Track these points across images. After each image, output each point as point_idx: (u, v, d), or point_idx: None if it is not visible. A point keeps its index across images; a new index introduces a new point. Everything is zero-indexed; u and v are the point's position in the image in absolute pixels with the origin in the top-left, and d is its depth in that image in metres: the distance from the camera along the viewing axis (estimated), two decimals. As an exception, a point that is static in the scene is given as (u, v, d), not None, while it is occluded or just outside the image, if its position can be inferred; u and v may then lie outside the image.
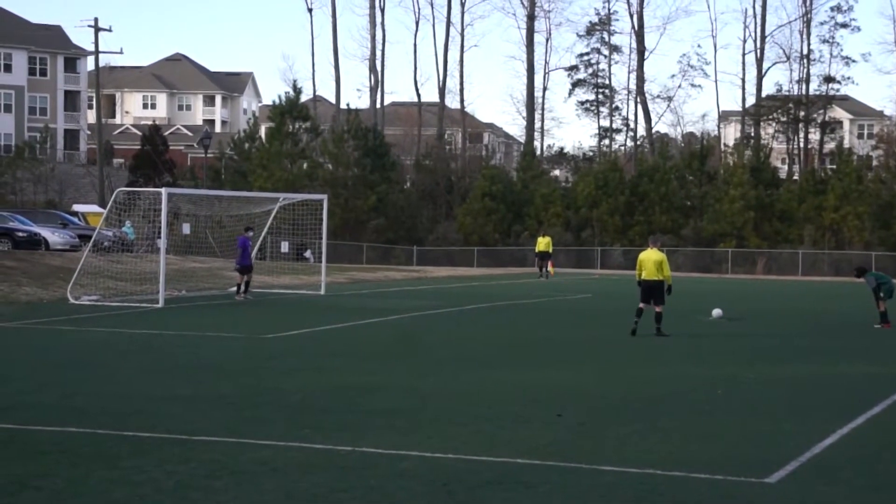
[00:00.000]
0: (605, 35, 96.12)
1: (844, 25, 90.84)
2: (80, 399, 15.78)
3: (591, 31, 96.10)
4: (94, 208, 67.03)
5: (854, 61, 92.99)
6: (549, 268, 56.41)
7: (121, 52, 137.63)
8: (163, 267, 34.02)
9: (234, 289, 36.89)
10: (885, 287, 29.45)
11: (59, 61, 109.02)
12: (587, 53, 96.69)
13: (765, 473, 11.60)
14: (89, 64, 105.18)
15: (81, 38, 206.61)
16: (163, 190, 35.73)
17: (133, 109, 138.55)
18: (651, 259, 25.88)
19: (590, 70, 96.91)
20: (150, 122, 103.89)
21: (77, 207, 68.80)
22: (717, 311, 31.70)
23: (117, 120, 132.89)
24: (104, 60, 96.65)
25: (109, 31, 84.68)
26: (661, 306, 25.84)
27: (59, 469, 11.36)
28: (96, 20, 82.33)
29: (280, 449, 12.47)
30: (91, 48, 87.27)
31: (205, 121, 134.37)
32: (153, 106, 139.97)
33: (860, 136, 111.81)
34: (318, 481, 11.00)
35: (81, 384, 17.24)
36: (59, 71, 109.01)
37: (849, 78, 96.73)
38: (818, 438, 13.55)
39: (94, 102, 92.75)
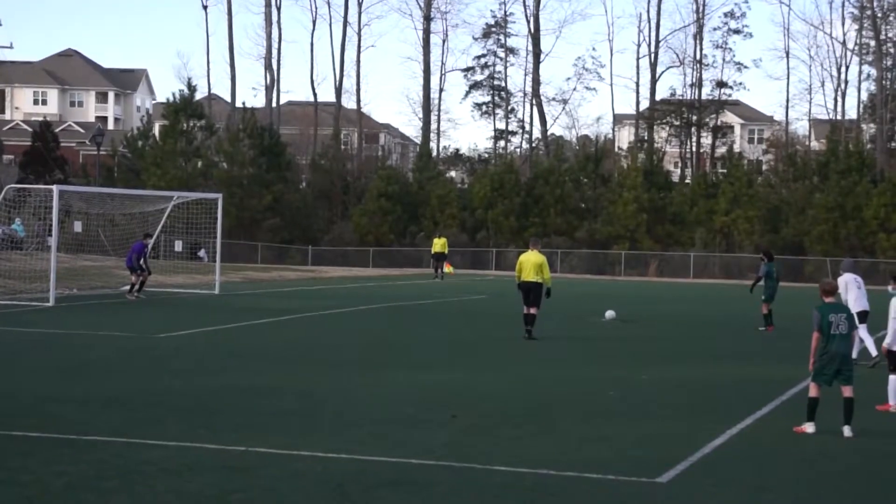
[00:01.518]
0: (502, 37, 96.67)
1: (737, 31, 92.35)
2: (-33, 399, 15.48)
3: (487, 33, 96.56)
4: (-17, 205, 65.68)
5: (746, 67, 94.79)
6: (446, 268, 56.57)
7: (10, 47, 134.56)
8: (53, 265, 33.48)
9: (127, 287, 36.46)
10: (770, 283, 30.06)
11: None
12: (484, 55, 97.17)
13: (656, 473, 11.75)
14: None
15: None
16: (54, 187, 35.20)
17: (23, 105, 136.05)
18: (531, 261, 25.79)
19: (486, 72, 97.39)
20: (40, 119, 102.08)
21: (-35, 204, 67.40)
22: (610, 313, 32.01)
23: (6, 115, 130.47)
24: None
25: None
26: (538, 309, 25.77)
27: (-55, 471, 11.12)
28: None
29: (172, 449, 12.35)
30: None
31: (97, 118, 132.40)
32: (44, 102, 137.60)
33: (751, 141, 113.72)
34: (211, 482, 10.91)
35: (-32, 384, 16.90)
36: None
37: (741, 83, 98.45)
38: (708, 439, 13.76)
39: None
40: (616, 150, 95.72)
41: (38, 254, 41.43)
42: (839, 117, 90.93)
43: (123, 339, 24.19)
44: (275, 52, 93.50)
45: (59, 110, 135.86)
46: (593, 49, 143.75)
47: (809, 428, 14.36)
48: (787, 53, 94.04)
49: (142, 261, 35.60)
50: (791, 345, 25.96)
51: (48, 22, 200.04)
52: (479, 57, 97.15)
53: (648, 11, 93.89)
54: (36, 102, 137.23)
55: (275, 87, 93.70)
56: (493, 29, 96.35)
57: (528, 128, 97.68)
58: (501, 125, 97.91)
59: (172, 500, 10.25)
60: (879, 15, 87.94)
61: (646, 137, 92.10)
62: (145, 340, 23.98)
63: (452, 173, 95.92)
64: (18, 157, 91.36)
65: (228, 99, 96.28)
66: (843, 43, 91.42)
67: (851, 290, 22.85)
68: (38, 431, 13.14)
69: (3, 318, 28.21)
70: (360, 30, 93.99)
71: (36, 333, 24.77)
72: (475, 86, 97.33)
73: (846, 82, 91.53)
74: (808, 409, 14.46)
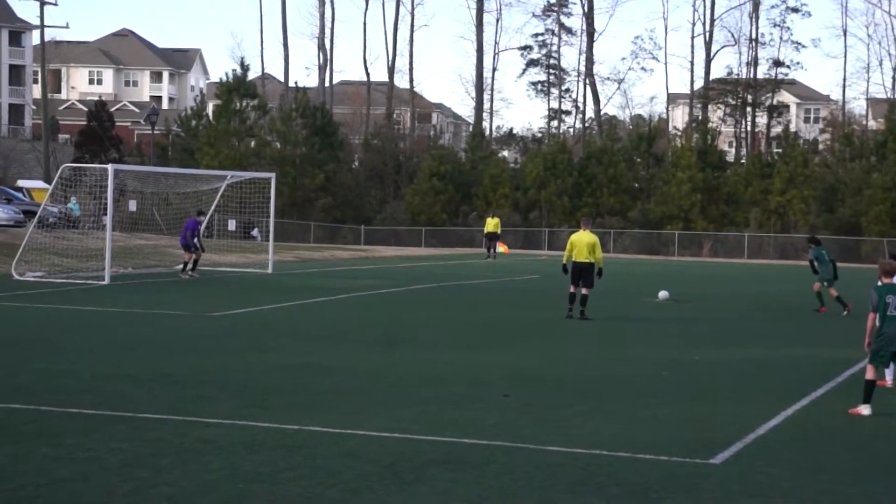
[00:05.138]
0: (560, 16, 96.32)
1: (795, 10, 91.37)
2: (25, 376, 15.65)
3: (547, 11, 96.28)
4: (40, 184, 66.38)
5: (804, 46, 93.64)
6: (500, 247, 56.50)
7: (66, 27, 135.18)
8: (109, 244, 33.75)
9: (180, 266, 36.68)
10: (823, 266, 29.30)
11: (3, 35, 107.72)
12: (541, 34, 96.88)
13: (709, 454, 11.68)
14: (34, 38, 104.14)
15: (26, 11, 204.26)
16: (109, 166, 35.48)
17: (79, 85, 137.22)
18: (584, 241, 25.62)
19: (543, 50, 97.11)
20: (96, 98, 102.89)
21: (22, 183, 68.14)
22: (663, 294, 31.87)
23: (63, 95, 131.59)
24: (50, 35, 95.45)
25: (55, 4, 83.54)
26: (589, 289, 25.67)
27: (2, 446, 11.25)
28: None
29: (226, 428, 12.42)
30: (36, 22, 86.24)
31: (152, 97, 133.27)
32: (99, 81, 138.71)
33: (807, 121, 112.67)
34: (264, 460, 10.97)
35: (26, 361, 17.08)
36: (3, 45, 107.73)
37: (798, 63, 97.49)
38: (762, 420, 13.66)
39: (39, 77, 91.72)
40: (671, 129, 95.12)
41: (93, 232, 41.78)
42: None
43: (177, 317, 24.36)
44: (328, 31, 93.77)
45: (115, 90, 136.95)
46: (652, 30, 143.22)
47: (865, 410, 14.22)
48: (845, 31, 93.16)
49: (195, 239, 35.81)
50: (847, 326, 25.74)
51: (103, 2, 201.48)
52: (536, 35, 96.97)
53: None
54: (91, 82, 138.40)
55: (328, 67, 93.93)
56: (553, 7, 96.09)
57: (581, 107, 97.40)
58: (556, 104, 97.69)
59: (226, 477, 10.31)
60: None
61: (700, 117, 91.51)
62: (199, 319, 24.13)
63: (505, 153, 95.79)
64: (74, 137, 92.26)
65: (281, 78, 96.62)
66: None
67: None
68: (95, 409, 13.26)
69: (60, 296, 28.49)
70: (413, 9, 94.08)
71: (91, 312, 24.99)
72: (532, 64, 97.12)
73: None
74: (864, 391, 14.32)
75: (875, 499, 10.52)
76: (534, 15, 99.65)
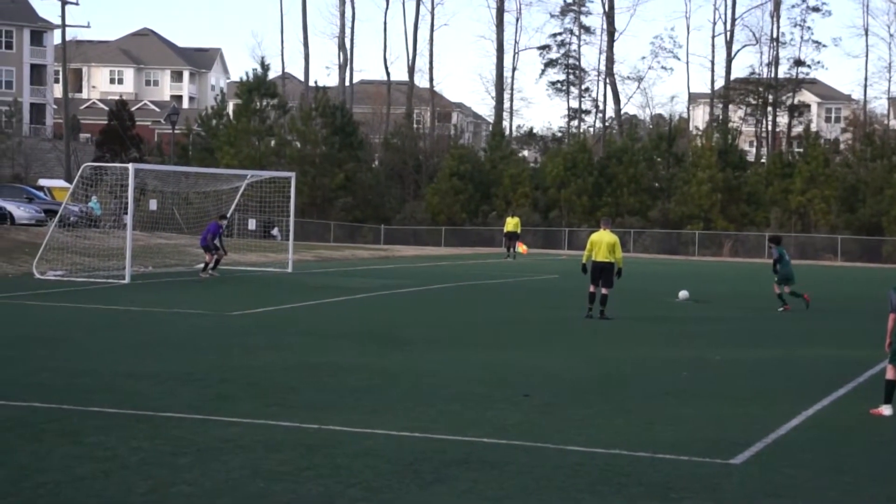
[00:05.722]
0: (579, 16, 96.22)
1: (816, 9, 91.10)
2: (45, 375, 15.69)
3: (565, 11, 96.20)
4: (61, 183, 66.57)
5: (825, 46, 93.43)
6: (520, 247, 56.44)
7: (88, 26, 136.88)
8: (129, 243, 33.86)
9: (201, 266, 36.77)
10: (782, 267, 29.25)
11: (25, 34, 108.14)
12: (560, 33, 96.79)
13: (730, 455, 11.65)
14: (56, 37, 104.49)
15: (48, 11, 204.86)
16: (129, 165, 35.59)
17: (100, 84, 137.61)
18: (604, 241, 25.54)
19: (562, 50, 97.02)
20: (117, 97, 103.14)
21: (43, 182, 68.33)
22: (683, 293, 31.78)
23: (84, 94, 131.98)
24: (71, 34, 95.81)
25: (76, 4, 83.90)
26: (609, 289, 25.61)
27: (23, 444, 11.29)
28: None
29: (246, 427, 12.43)
30: (57, 21, 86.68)
31: (172, 96, 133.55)
32: (120, 81, 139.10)
33: (828, 120, 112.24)
34: (284, 459, 10.97)
35: (46, 360, 17.13)
36: (25, 44, 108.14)
37: (818, 62, 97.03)
38: (783, 420, 13.62)
39: (60, 76, 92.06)
40: (692, 129, 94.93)
41: (114, 232, 41.92)
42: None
43: (197, 316, 24.41)
44: (348, 30, 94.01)
45: (135, 89, 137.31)
46: (672, 29, 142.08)
47: (887, 410, 14.16)
48: (866, 31, 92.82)
49: (216, 241, 35.89)
50: (867, 326, 25.62)
51: (124, 1, 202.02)
52: (555, 35, 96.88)
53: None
54: (112, 81, 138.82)
55: (348, 66, 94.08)
56: (572, 7, 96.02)
57: (601, 107, 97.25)
58: (576, 104, 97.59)
59: (247, 476, 10.32)
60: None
61: (721, 117, 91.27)
62: (219, 318, 24.18)
63: (525, 152, 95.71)
64: (95, 136, 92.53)
65: (302, 78, 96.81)
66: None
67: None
68: (115, 407, 13.30)
69: (81, 295, 28.57)
70: (433, 8, 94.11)
71: (112, 310, 25.06)
72: (550, 64, 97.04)
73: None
74: (885, 392, 14.26)
75: (897, 500, 10.48)
76: (552, 15, 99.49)
